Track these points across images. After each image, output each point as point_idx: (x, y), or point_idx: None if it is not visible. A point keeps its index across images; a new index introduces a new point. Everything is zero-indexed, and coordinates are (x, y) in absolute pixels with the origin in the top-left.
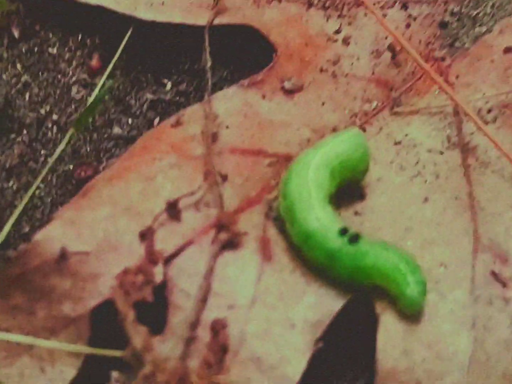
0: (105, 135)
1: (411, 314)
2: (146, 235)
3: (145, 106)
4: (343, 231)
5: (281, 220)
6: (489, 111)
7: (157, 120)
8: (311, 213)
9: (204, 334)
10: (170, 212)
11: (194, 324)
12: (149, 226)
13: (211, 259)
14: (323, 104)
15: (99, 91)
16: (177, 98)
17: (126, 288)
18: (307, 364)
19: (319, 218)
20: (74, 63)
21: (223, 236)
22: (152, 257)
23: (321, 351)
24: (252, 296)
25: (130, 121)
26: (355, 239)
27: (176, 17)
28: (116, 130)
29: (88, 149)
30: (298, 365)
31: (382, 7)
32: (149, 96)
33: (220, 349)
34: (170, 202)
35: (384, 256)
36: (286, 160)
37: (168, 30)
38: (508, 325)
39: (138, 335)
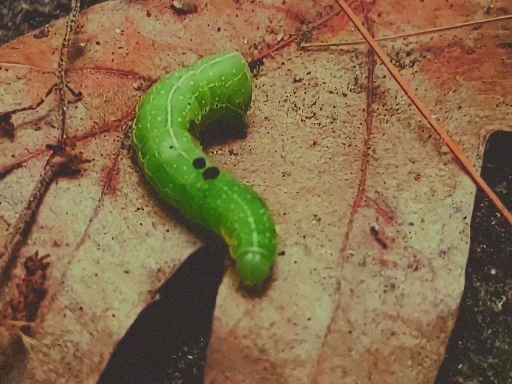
0: None
1: (249, 286)
2: None
3: (19, 18)
4: (199, 164)
5: (135, 149)
6: (408, 54)
7: None
8: (166, 140)
9: (20, 274)
10: (1, 127)
11: (10, 260)
12: None
13: (40, 185)
14: (218, 30)
15: None
16: (58, 11)
17: None
18: (137, 319)
19: (174, 147)
20: None
21: (59, 160)
22: None
23: (157, 305)
24: (83, 234)
25: None
26: (211, 174)
27: None
28: None
29: None
30: (125, 319)
31: None
32: (25, 6)
33: (32, 291)
34: (1, 115)
35: (237, 202)
36: None
37: None
38: (380, 293)
39: None
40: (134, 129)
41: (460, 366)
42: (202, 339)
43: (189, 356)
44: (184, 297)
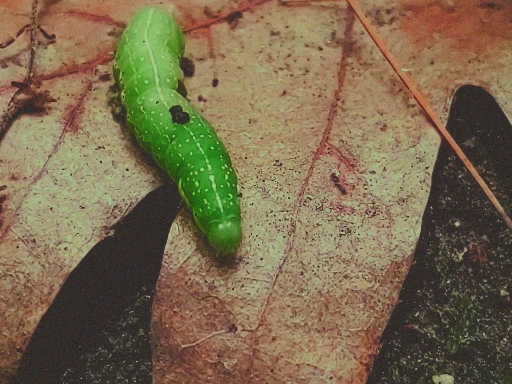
0: None
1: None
2: None
3: None
4: (175, 111)
5: (113, 86)
6: (388, 11)
7: None
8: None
9: None
10: None
11: None
12: None
13: (2, 120)
14: None
15: None
16: None
17: None
18: (88, 253)
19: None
20: None
21: (24, 97)
22: None
23: (111, 241)
24: (41, 168)
25: None
26: (180, 119)
27: None
28: None
29: None
30: (77, 252)
31: None
32: None
33: None
34: None
35: (198, 150)
36: None
37: None
38: (335, 237)
39: None
40: (117, 62)
41: (416, 314)
42: None
43: (146, 296)
44: (147, 237)
